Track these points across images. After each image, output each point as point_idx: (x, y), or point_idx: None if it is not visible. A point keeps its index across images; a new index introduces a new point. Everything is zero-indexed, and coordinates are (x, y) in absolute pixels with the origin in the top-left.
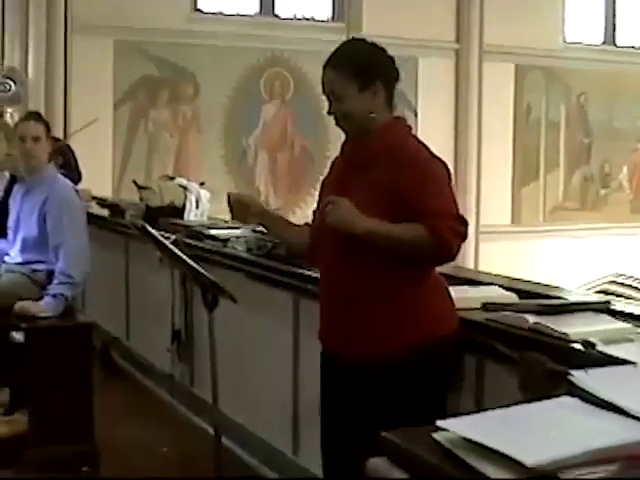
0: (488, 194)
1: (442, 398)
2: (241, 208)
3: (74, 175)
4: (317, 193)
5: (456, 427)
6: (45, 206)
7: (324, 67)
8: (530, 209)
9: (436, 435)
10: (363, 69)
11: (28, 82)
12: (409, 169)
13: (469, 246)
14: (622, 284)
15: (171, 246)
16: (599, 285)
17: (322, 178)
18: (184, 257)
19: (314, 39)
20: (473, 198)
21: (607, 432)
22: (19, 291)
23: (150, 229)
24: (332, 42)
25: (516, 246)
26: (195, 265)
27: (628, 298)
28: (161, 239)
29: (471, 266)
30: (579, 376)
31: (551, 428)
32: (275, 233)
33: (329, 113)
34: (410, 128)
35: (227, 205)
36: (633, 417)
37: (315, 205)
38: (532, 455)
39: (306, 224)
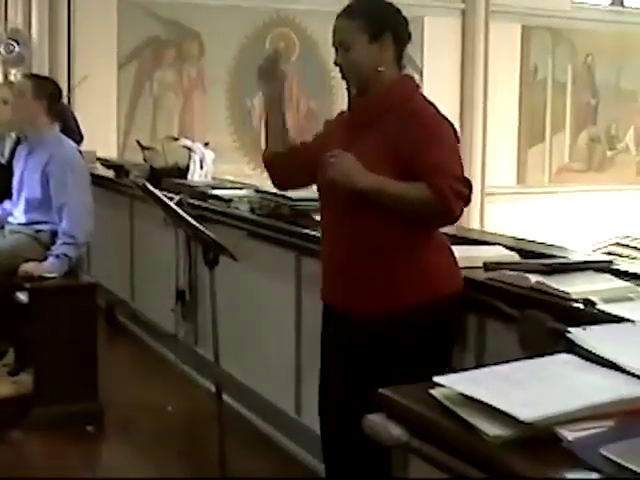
0: (494, 155)
1: (446, 356)
2: (274, 69)
3: (75, 136)
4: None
5: (453, 383)
6: (48, 166)
7: (337, 16)
8: (536, 170)
9: (433, 391)
10: (375, 21)
11: (32, 43)
12: (416, 127)
13: (474, 206)
14: (627, 246)
15: (172, 204)
16: (605, 246)
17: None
18: (184, 215)
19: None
20: (479, 159)
21: (604, 388)
22: (23, 252)
23: (151, 188)
24: (338, 2)
25: (521, 207)
26: (195, 223)
27: (633, 259)
28: (162, 197)
29: (476, 226)
30: (577, 333)
31: (547, 384)
32: (269, 110)
33: (335, 64)
34: (418, 86)
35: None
36: (630, 373)
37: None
38: (529, 411)
39: (301, 143)
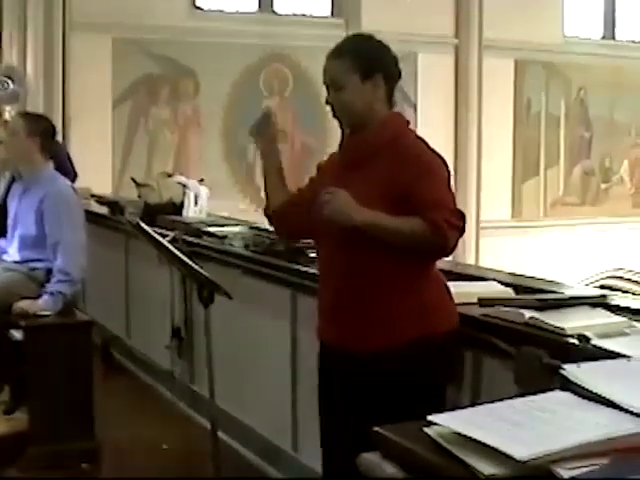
0: (488, 189)
1: (441, 394)
2: (266, 126)
3: (68, 175)
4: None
5: (447, 421)
6: (43, 204)
7: (327, 56)
8: (531, 204)
9: (428, 430)
10: (366, 60)
11: (27, 80)
12: (408, 163)
13: (470, 241)
14: (623, 278)
15: (165, 242)
16: (600, 280)
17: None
18: (178, 254)
19: (313, 35)
20: (473, 193)
21: (598, 425)
22: (17, 289)
23: (144, 226)
24: (331, 38)
25: (517, 241)
26: (189, 261)
27: (629, 293)
28: (155, 236)
29: (472, 261)
30: (571, 370)
31: (542, 422)
32: (267, 166)
33: (327, 103)
34: (408, 123)
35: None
36: (624, 410)
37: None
38: (523, 449)
39: (298, 189)
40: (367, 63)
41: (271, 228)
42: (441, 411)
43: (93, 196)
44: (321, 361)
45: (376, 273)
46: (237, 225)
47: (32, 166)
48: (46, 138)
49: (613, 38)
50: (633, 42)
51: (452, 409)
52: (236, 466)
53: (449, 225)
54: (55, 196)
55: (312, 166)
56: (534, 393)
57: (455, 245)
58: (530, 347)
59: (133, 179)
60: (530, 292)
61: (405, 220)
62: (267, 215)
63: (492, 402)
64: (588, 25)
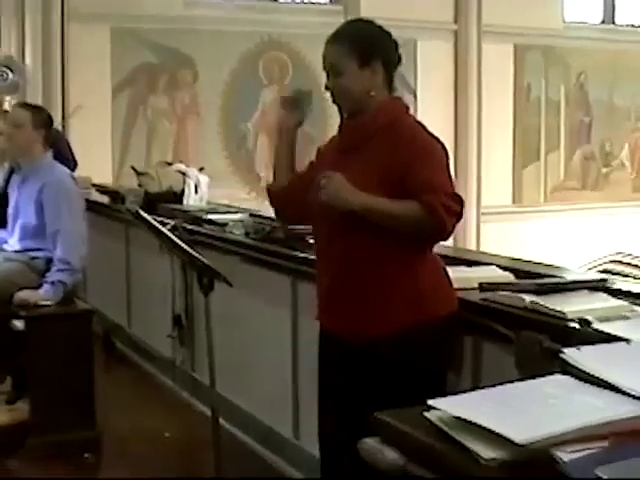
0: (489, 175)
1: (441, 379)
2: (306, 103)
3: (68, 164)
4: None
5: (447, 406)
6: (42, 194)
7: (326, 41)
8: (531, 189)
9: (428, 414)
10: (364, 46)
11: (26, 71)
12: (405, 147)
13: (470, 227)
14: (623, 263)
15: (165, 230)
16: (601, 264)
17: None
18: (178, 241)
19: (312, 22)
20: (474, 179)
21: (598, 408)
22: (18, 279)
23: (144, 214)
24: (330, 25)
25: (517, 226)
26: (189, 249)
27: (630, 277)
28: (155, 224)
29: (473, 247)
30: (571, 354)
31: (542, 406)
32: (282, 145)
33: (326, 88)
34: (407, 108)
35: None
36: (624, 393)
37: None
38: (523, 432)
39: (298, 174)
40: (365, 49)
41: (271, 215)
42: (441, 396)
43: (94, 185)
44: (321, 346)
45: (373, 258)
46: (237, 213)
47: (32, 157)
48: (48, 130)
49: (613, 23)
50: (633, 26)
51: (452, 394)
52: (237, 453)
53: (446, 209)
54: (54, 185)
55: (311, 153)
56: (534, 377)
57: (452, 229)
58: (530, 331)
59: (133, 168)
60: (530, 277)
61: (402, 203)
62: (269, 192)
63: (492, 386)
64: (587, 10)
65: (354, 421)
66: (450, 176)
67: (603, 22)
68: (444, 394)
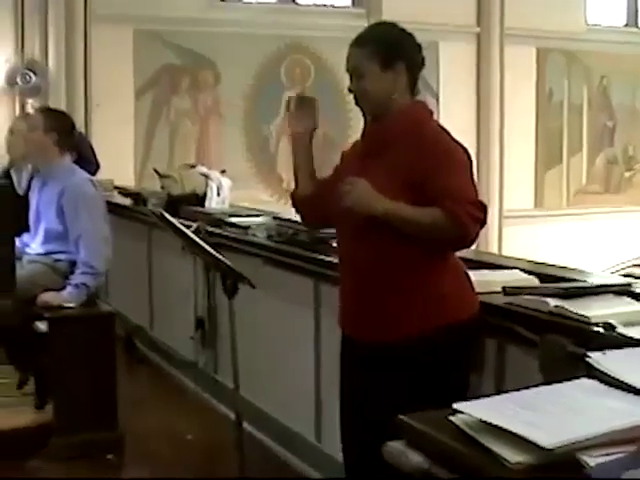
0: (511, 178)
1: (464, 383)
2: (310, 106)
3: (90, 166)
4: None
5: (473, 410)
6: (62, 199)
7: (350, 44)
8: (553, 193)
9: (453, 418)
10: (387, 49)
11: (49, 73)
12: (428, 152)
13: (492, 230)
14: None
15: (189, 233)
16: (624, 268)
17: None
18: (202, 244)
19: (334, 25)
20: (496, 183)
21: (625, 413)
22: (41, 281)
23: (168, 217)
24: (352, 28)
25: (539, 230)
26: (213, 251)
27: None
28: (179, 226)
29: (494, 250)
30: (597, 358)
31: (568, 410)
32: (299, 158)
33: (350, 91)
34: (431, 112)
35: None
36: None
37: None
38: (549, 437)
39: (323, 178)
40: (388, 51)
41: (294, 217)
42: (463, 400)
43: (116, 188)
44: (343, 349)
45: (395, 262)
46: (260, 215)
47: (48, 160)
48: (63, 133)
49: (636, 26)
50: None
51: (475, 398)
52: (260, 456)
53: (469, 216)
54: (72, 190)
55: (333, 157)
56: (558, 381)
57: (476, 237)
58: (554, 335)
59: (156, 170)
60: (554, 280)
61: (425, 210)
62: (293, 198)
63: (516, 390)
64: (611, 13)
65: (376, 424)
66: (473, 182)
67: (627, 25)
68: (466, 398)
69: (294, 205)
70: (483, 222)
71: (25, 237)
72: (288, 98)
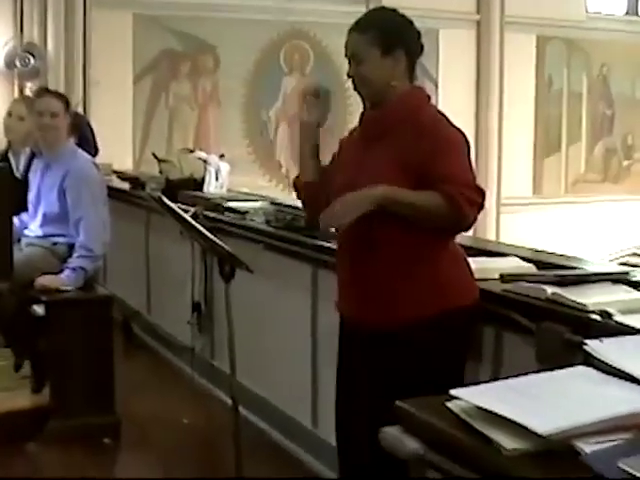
0: (510, 166)
1: (460, 369)
2: (325, 100)
3: (90, 149)
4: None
5: (469, 396)
6: (65, 181)
7: (349, 29)
8: (552, 181)
9: (450, 404)
10: (387, 35)
11: (47, 56)
12: (426, 137)
13: (490, 218)
14: None
15: (187, 217)
16: (621, 257)
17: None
18: (200, 228)
19: (334, 11)
20: (495, 169)
21: (621, 400)
22: (39, 264)
23: (166, 200)
24: (352, 14)
25: (537, 218)
26: (211, 236)
27: None
28: (178, 210)
29: (492, 237)
30: (594, 345)
31: (565, 397)
32: (305, 147)
33: (348, 76)
34: (429, 97)
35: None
36: None
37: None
38: (546, 424)
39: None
40: (388, 37)
41: (292, 202)
42: (459, 386)
43: (115, 172)
44: (341, 335)
45: (393, 247)
46: (258, 201)
47: (57, 143)
48: (70, 116)
49: (637, 14)
50: None
51: (473, 384)
52: (255, 441)
53: (467, 200)
54: (77, 173)
55: (332, 143)
56: (555, 369)
57: (474, 221)
58: (551, 323)
59: (154, 155)
60: (552, 268)
61: (422, 194)
62: (295, 186)
63: (514, 377)
64: (611, 1)
65: (372, 409)
66: (471, 167)
67: (627, 13)
68: (463, 385)
69: (295, 191)
70: (481, 206)
71: (24, 217)
72: (304, 87)
